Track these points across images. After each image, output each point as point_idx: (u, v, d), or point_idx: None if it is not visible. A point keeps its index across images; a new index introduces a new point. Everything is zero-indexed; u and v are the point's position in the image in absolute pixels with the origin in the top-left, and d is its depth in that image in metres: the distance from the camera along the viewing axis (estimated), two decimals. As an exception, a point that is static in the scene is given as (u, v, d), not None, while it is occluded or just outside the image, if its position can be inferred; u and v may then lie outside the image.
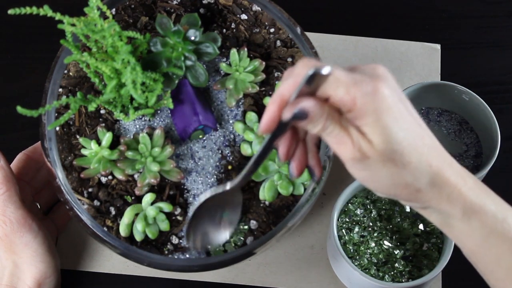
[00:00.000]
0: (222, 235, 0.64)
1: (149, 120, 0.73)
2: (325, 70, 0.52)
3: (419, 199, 0.56)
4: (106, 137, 0.70)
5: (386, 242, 0.76)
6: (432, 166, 0.54)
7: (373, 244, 0.76)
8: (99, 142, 0.71)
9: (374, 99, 0.53)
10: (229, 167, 0.72)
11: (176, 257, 0.69)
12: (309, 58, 0.56)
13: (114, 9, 0.75)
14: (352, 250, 0.76)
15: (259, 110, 0.73)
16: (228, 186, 0.60)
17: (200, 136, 0.72)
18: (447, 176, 0.55)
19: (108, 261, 0.82)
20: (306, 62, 0.54)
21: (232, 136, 0.73)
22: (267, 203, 0.71)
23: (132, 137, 0.72)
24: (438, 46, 0.91)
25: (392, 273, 0.75)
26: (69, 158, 0.71)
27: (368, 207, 0.78)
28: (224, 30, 0.76)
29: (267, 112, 0.55)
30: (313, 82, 0.52)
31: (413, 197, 0.56)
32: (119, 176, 0.70)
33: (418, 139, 0.54)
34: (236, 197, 0.62)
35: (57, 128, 0.72)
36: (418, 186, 0.55)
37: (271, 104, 0.55)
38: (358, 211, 0.77)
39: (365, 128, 0.53)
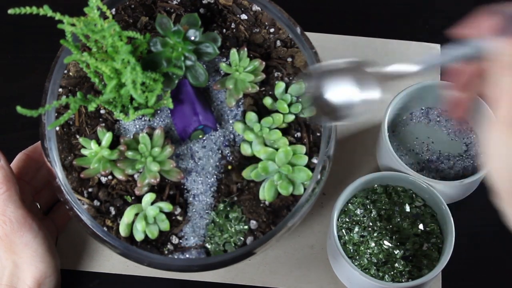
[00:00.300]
0: (344, 110, 0.58)
1: (149, 120, 0.73)
2: None
3: None
4: (106, 137, 0.70)
5: (386, 242, 0.76)
6: None
7: (373, 244, 0.76)
8: (99, 142, 0.71)
9: None
10: (229, 167, 0.72)
11: (176, 257, 0.69)
12: None
13: (114, 9, 0.75)
14: (352, 250, 0.76)
15: (259, 110, 0.73)
16: (387, 68, 0.55)
17: (200, 136, 0.72)
18: None
19: (108, 261, 0.82)
20: None
21: (232, 136, 0.73)
22: (267, 203, 0.71)
23: (132, 137, 0.72)
24: (437, 46, 0.91)
25: (392, 273, 0.75)
26: (69, 158, 0.71)
27: (368, 207, 0.78)
28: (224, 30, 0.76)
29: (475, 16, 0.51)
30: None
31: None
32: (119, 176, 0.70)
33: None
34: (372, 85, 0.56)
35: (57, 128, 0.72)
36: None
37: (481, 14, 0.50)
38: (358, 211, 0.77)
39: None
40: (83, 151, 0.70)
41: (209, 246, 0.70)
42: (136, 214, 0.69)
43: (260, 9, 0.76)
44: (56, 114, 0.72)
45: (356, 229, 0.77)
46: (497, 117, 0.47)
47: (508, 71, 0.47)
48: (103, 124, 0.72)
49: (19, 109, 0.60)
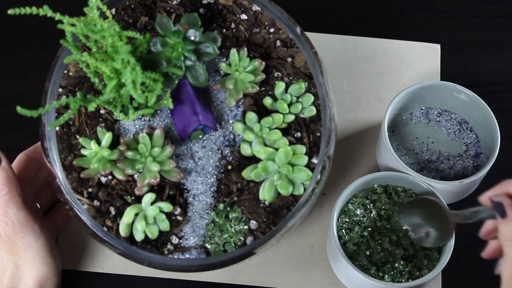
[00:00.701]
0: (421, 239, 0.75)
1: (149, 120, 0.73)
2: None
3: None
4: (106, 137, 0.70)
5: (386, 242, 0.76)
6: None
7: (373, 244, 0.76)
8: (99, 142, 0.71)
9: None
10: (229, 167, 0.72)
11: (176, 257, 0.69)
12: None
13: (114, 9, 0.75)
14: (352, 250, 0.76)
15: (259, 110, 0.73)
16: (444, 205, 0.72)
17: (200, 136, 0.72)
18: None
19: (108, 261, 0.82)
20: None
21: (232, 136, 0.73)
22: (267, 203, 0.71)
23: (132, 137, 0.72)
24: (438, 46, 0.91)
25: (392, 273, 0.75)
26: (69, 158, 0.71)
27: (368, 207, 0.78)
28: (224, 30, 0.76)
29: (494, 188, 0.64)
30: None
31: None
32: (119, 176, 0.70)
33: None
34: (445, 225, 0.72)
35: (57, 128, 0.72)
36: None
37: (502, 185, 0.64)
38: (358, 211, 0.77)
39: None
40: (83, 151, 0.70)
41: (209, 246, 0.70)
42: (136, 214, 0.69)
43: (260, 9, 0.76)
44: (56, 114, 0.72)
45: (356, 229, 0.77)
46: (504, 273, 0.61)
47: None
48: (103, 124, 0.72)
49: (19, 109, 0.60)
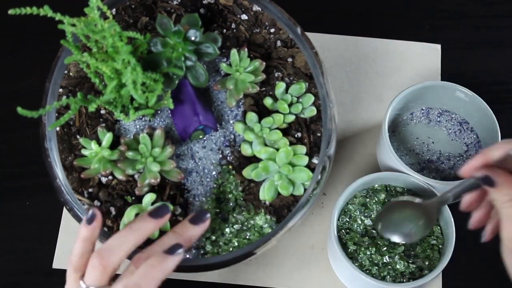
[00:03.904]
0: (403, 237, 0.71)
1: (150, 120, 0.73)
2: None
3: None
4: (107, 137, 0.70)
5: (386, 242, 0.76)
6: None
7: (373, 244, 0.76)
8: (99, 143, 0.71)
9: None
10: (230, 167, 0.72)
11: (176, 257, 0.69)
12: None
13: (114, 9, 0.75)
14: (352, 250, 0.76)
15: (259, 110, 0.73)
16: (419, 200, 0.71)
17: (200, 136, 0.72)
18: None
19: (108, 261, 0.81)
20: None
21: (232, 136, 0.73)
22: (267, 203, 0.71)
23: (132, 137, 0.72)
24: (438, 46, 0.91)
25: (393, 273, 0.75)
26: (70, 158, 0.71)
27: (368, 206, 0.78)
28: (225, 30, 0.76)
29: (472, 161, 0.62)
30: None
31: None
32: (120, 176, 0.70)
33: None
34: (427, 216, 0.70)
35: (58, 129, 0.72)
36: None
37: (478, 157, 0.62)
38: (358, 211, 0.77)
39: None
40: (84, 152, 0.70)
41: (209, 247, 0.70)
42: (137, 214, 0.69)
43: (260, 9, 0.76)
44: (56, 115, 0.72)
45: (356, 229, 0.77)
46: (505, 237, 0.61)
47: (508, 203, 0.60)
48: (104, 125, 0.72)
49: (19, 110, 0.60)
